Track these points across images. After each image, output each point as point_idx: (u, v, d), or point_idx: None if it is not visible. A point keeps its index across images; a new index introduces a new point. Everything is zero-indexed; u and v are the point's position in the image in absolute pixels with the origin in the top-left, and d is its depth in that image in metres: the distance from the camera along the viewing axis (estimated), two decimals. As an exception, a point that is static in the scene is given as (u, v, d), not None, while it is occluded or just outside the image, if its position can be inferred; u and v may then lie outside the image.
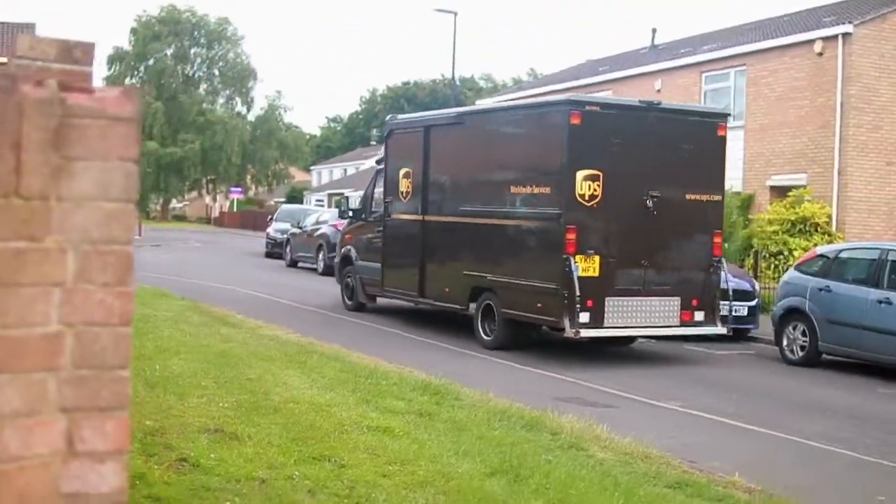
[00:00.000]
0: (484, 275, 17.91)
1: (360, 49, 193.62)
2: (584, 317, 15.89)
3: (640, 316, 16.57)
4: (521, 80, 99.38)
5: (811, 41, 30.25)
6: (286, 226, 39.99)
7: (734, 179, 31.06)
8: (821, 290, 17.21)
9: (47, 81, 2.81)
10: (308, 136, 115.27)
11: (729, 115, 19.51)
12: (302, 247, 36.07)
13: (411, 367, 13.42)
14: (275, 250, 40.99)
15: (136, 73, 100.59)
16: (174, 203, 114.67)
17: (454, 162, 19.50)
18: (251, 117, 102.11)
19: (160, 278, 26.47)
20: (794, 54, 31.05)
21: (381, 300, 22.25)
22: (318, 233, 34.30)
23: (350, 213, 23.42)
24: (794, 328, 17.61)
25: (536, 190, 17.02)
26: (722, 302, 17.26)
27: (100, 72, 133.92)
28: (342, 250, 23.43)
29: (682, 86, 35.43)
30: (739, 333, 20.09)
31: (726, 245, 22.22)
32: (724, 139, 17.64)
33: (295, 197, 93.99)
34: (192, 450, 7.89)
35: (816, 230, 27.22)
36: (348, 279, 22.84)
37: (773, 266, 25.93)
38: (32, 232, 2.56)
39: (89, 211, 2.66)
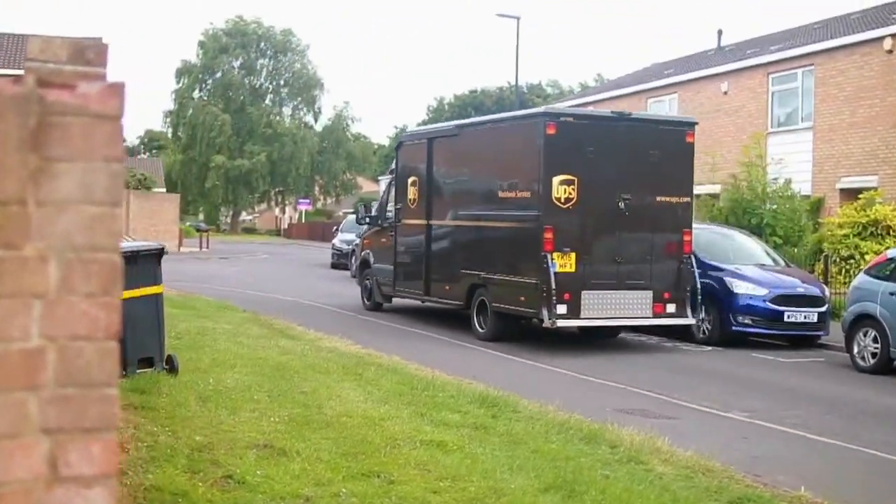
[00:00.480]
0: (478, 273, 19.60)
1: (426, 57, 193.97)
2: (561, 309, 17.50)
3: (615, 308, 18.12)
4: (588, 85, 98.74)
5: (880, 38, 29.60)
6: (351, 236, 39.78)
7: (802, 182, 30.52)
8: (892, 294, 16.66)
9: (25, 78, 2.60)
10: (376, 146, 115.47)
11: (696, 123, 20.74)
12: (368, 258, 35.74)
13: (438, 367, 13.21)
14: (340, 261, 40.84)
15: (204, 85, 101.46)
16: (244, 215, 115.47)
17: (452, 171, 21.45)
18: (318, 128, 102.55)
19: (224, 290, 26.54)
20: (864, 52, 30.40)
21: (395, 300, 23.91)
22: (384, 243, 33.98)
23: (367, 220, 25.15)
24: (865, 334, 17.04)
25: (519, 194, 18.72)
26: (690, 294, 18.70)
27: (168, 85, 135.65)
28: (361, 254, 25.39)
29: (749, 87, 34.91)
30: (809, 340, 19.66)
31: (795, 250, 21.77)
32: (692, 146, 19.22)
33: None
34: (238, 466, 7.72)
35: (889, 233, 26.47)
36: (367, 281, 24.60)
37: (843, 271, 25.29)
38: (10, 239, 2.37)
39: (72, 216, 2.46)
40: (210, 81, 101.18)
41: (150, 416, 9.34)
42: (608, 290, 18.01)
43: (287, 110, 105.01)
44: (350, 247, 38.64)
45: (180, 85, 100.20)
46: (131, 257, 11.29)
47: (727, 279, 19.75)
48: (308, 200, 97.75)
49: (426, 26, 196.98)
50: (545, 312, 17.46)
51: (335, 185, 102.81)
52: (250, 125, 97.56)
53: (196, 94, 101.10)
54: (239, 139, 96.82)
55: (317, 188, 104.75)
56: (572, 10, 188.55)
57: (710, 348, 19.06)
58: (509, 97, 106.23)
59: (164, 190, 70.96)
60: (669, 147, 18.84)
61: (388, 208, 23.81)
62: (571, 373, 15.53)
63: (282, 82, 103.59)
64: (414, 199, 22.24)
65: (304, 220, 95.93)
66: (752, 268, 20.37)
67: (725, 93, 36.01)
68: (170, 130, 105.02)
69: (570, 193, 17.81)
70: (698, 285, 18.77)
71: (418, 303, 22.90)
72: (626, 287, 18.16)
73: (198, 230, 69.96)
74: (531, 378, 14.84)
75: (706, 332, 19.69)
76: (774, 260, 21.71)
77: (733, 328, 19.45)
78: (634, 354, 18.19)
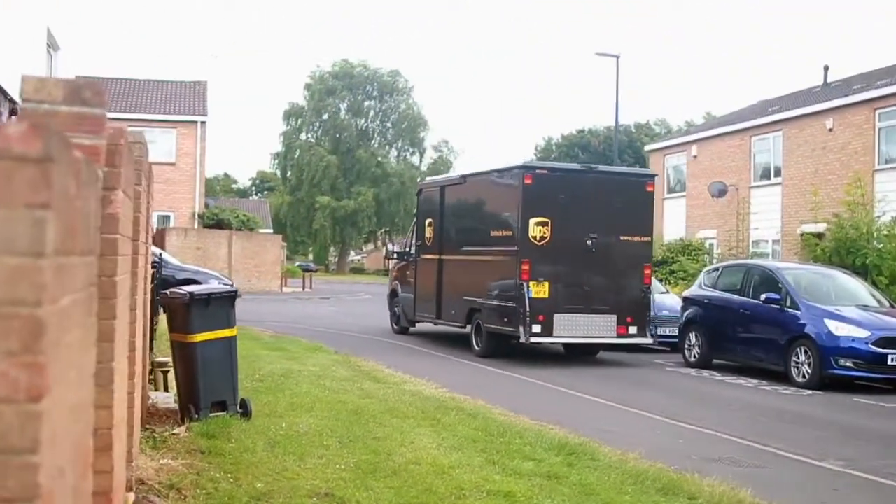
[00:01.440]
0: (475, 299, 23.09)
1: (534, 95, 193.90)
2: (536, 328, 21.11)
3: (583, 329, 21.63)
4: (694, 123, 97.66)
5: None
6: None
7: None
8: None
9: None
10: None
11: (655, 175, 24.57)
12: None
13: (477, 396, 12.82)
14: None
15: (311, 127, 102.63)
16: (352, 255, 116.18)
17: (458, 213, 25.03)
18: (423, 167, 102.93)
19: (319, 331, 26.53)
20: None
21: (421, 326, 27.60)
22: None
23: (395, 256, 29.15)
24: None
25: (504, 233, 22.28)
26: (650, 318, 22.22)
27: (276, 127, 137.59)
28: (391, 285, 29.17)
29: (855, 123, 34.06)
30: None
31: (886, 282, 21.23)
32: (651, 194, 22.77)
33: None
34: (294, 516, 7.50)
35: None
36: (395, 308, 28.49)
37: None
38: (-79, 293, 2.17)
39: (-10, 267, 2.24)
40: (317, 123, 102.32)
41: (216, 462, 9.18)
42: (577, 314, 21.51)
43: (393, 150, 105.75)
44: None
45: (288, 127, 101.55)
46: (205, 300, 11.20)
47: (827, 320, 19.11)
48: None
49: (535, 65, 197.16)
50: (522, 331, 21.05)
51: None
52: (358, 166, 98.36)
53: (303, 135, 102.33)
54: (347, 180, 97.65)
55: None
56: (683, 49, 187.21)
57: (809, 392, 18.42)
58: (617, 137, 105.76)
59: (270, 231, 71.67)
60: (631, 195, 22.23)
61: (410, 245, 27.68)
62: (660, 417, 15.03)
63: (388, 123, 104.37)
64: (430, 238, 25.96)
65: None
66: (853, 309, 19.69)
67: (830, 129, 35.20)
68: (278, 172, 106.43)
69: (544, 233, 21.47)
70: (653, 311, 22.41)
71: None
72: (593, 311, 21.60)
73: (305, 270, 70.51)
74: (612, 420, 14.41)
75: (805, 375, 19.06)
76: (879, 301, 20.95)
77: (833, 371, 18.77)
78: (729, 397, 17.63)
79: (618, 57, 42.20)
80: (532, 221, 21.33)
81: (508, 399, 15.43)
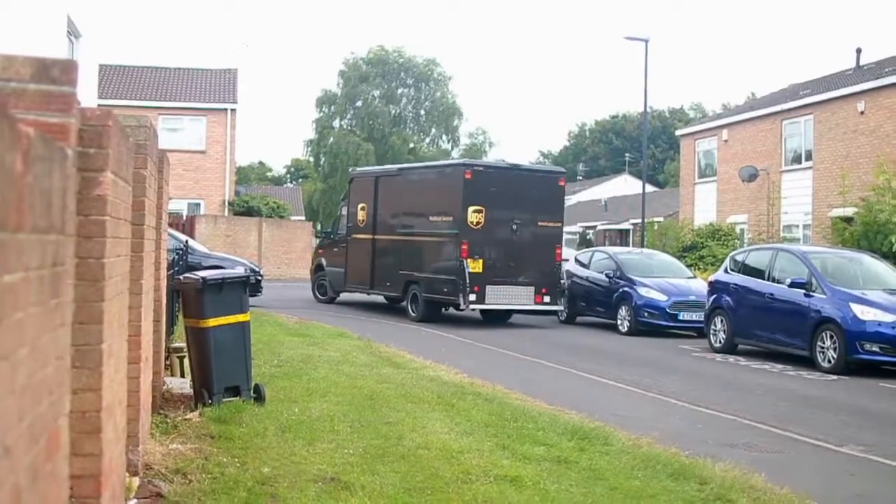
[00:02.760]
0: (413, 272, 27.29)
1: (569, 81, 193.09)
2: (472, 297, 25.43)
3: (508, 297, 26.05)
4: (730, 106, 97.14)
5: None
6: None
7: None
8: None
9: None
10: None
11: (565, 172, 29.01)
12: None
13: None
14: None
15: (345, 115, 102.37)
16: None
17: (394, 199, 28.89)
18: (455, 155, 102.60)
19: (346, 318, 26.50)
20: None
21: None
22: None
23: (322, 235, 35.35)
24: None
25: (445, 218, 26.31)
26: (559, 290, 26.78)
27: (309, 114, 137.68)
28: (316, 261, 33.42)
29: (887, 106, 33.69)
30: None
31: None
32: (563, 188, 27.63)
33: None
34: (297, 501, 7.48)
35: None
36: (322, 280, 32.62)
37: None
38: None
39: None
40: (351, 111, 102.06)
41: (225, 447, 9.17)
42: (504, 285, 25.85)
43: (426, 138, 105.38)
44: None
45: (321, 114, 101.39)
46: (217, 285, 11.19)
47: (853, 305, 18.91)
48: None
49: (569, 51, 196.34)
50: (462, 299, 25.38)
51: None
52: (391, 153, 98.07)
53: (336, 123, 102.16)
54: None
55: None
56: (719, 33, 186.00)
57: (834, 377, 18.25)
58: (651, 122, 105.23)
59: (302, 218, 71.73)
60: (546, 188, 26.70)
61: (340, 226, 31.76)
62: (681, 402, 14.91)
63: (421, 111, 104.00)
64: (363, 220, 29.89)
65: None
66: (880, 293, 19.48)
67: (862, 112, 34.84)
68: (311, 159, 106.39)
69: (479, 219, 25.75)
70: (564, 283, 27.08)
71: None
72: (517, 283, 25.97)
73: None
74: (630, 405, 14.31)
75: (831, 360, 18.88)
76: (907, 285, 20.71)
77: (859, 356, 18.59)
78: (752, 383, 17.49)
79: (647, 41, 41.84)
80: (470, 209, 25.64)
81: (523, 384, 15.39)
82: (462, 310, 25.92)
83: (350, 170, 34.28)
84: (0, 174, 2.40)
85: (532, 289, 26.10)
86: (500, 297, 25.86)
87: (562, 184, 27.39)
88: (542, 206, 26.45)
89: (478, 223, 25.62)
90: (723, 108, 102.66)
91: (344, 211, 31.81)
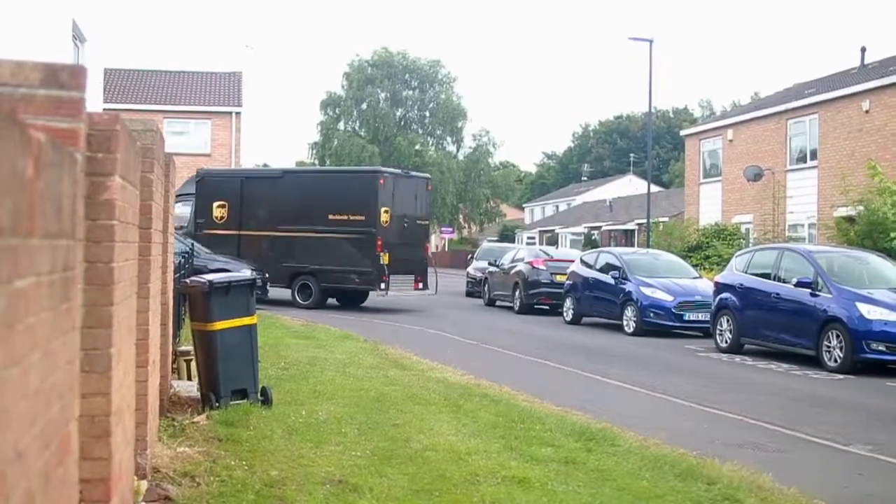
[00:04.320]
0: (304, 265, 30.60)
1: (573, 82, 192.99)
2: (383, 285, 29.65)
3: (401, 285, 30.53)
4: (738, 104, 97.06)
5: None
6: (485, 264, 39.66)
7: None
8: None
9: None
10: (522, 174, 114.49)
11: (430, 178, 35.07)
12: (499, 285, 35.60)
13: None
14: (475, 289, 40.69)
15: (350, 117, 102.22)
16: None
17: (273, 199, 31.48)
18: (460, 156, 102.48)
19: (352, 320, 26.51)
20: None
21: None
22: (514, 270, 33.76)
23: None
24: None
25: (354, 217, 29.84)
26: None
27: (313, 117, 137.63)
28: None
29: (892, 105, 33.68)
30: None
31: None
32: (431, 191, 33.76)
33: (507, 235, 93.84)
34: (304, 503, 7.48)
35: None
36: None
37: None
38: None
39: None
40: (356, 113, 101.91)
41: (232, 449, 9.19)
42: (399, 275, 30.18)
43: (431, 140, 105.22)
44: (483, 274, 38.49)
45: (326, 116, 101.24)
46: (224, 288, 11.21)
47: (859, 304, 18.90)
48: (451, 229, 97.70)
49: (573, 52, 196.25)
50: (378, 287, 29.79)
51: (479, 213, 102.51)
52: (396, 154, 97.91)
53: (341, 125, 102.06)
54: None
55: (461, 217, 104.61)
56: (723, 33, 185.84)
57: (840, 376, 18.25)
58: (655, 122, 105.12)
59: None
60: (422, 190, 31.81)
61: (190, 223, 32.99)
62: (687, 402, 14.92)
63: (426, 112, 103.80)
64: (222, 217, 32.09)
65: (447, 249, 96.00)
66: (885, 292, 19.46)
67: (867, 111, 34.83)
68: (316, 161, 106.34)
69: (388, 218, 29.70)
70: (429, 271, 31.65)
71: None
72: (406, 272, 30.52)
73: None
74: (638, 405, 14.32)
75: (837, 359, 18.87)
76: (913, 284, 20.69)
77: (865, 355, 18.58)
78: (759, 382, 17.49)
79: (651, 42, 41.90)
80: (382, 209, 29.61)
81: (529, 385, 15.38)
82: (380, 296, 30.71)
83: (198, 170, 35.22)
84: (12, 180, 2.41)
85: (412, 276, 31.12)
86: (397, 284, 30.28)
87: (429, 188, 33.22)
88: (418, 207, 31.46)
89: (387, 222, 29.80)
90: (733, 105, 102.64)
91: (186, 208, 32.40)
